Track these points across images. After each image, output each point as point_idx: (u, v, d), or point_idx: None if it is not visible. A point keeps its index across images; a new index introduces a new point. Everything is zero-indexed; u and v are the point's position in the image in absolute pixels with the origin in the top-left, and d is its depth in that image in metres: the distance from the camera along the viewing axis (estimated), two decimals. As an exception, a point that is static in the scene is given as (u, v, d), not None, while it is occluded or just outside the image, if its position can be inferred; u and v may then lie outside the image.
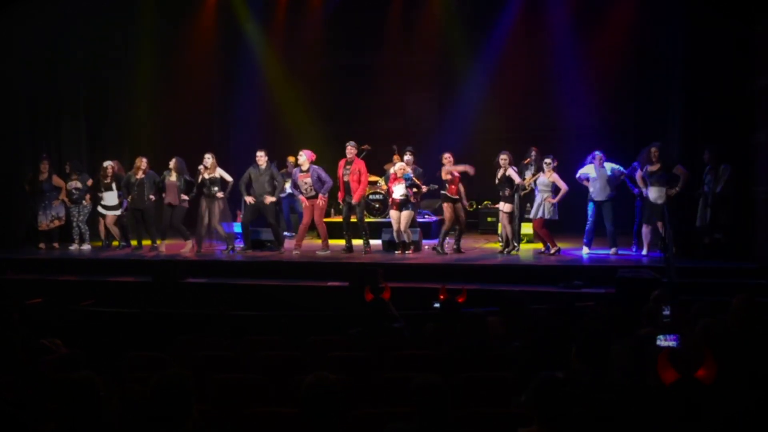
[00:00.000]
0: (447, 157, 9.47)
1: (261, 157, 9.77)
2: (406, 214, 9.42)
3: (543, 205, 9.18)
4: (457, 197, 9.42)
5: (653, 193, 8.86)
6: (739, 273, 7.90)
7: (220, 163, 10.13)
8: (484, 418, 3.50)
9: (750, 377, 3.47)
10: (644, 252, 8.97)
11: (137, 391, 3.47)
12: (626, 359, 4.06)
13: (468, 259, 9.22)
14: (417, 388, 3.02)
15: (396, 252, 9.57)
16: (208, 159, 9.84)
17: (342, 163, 9.76)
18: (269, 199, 9.73)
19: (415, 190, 9.54)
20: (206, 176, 9.81)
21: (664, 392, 3.05)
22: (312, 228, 10.02)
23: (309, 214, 9.75)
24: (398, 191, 9.47)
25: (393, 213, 9.60)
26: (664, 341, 3.55)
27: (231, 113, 13.85)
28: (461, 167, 9.49)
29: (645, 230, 8.99)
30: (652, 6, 10.41)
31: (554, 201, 9.14)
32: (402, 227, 9.45)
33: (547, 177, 9.21)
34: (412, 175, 9.56)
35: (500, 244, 9.65)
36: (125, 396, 3.46)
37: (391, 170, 9.85)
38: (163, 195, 10.09)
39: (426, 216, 11.18)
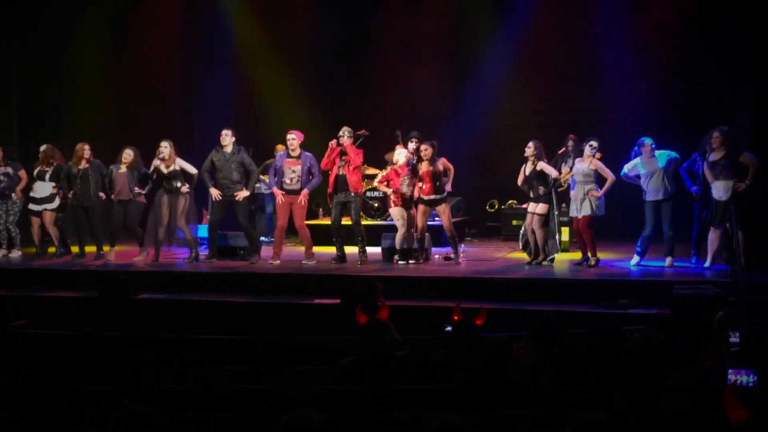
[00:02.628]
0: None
1: (226, 137, 9.73)
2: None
3: (587, 200, 9.13)
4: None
5: (718, 189, 8.75)
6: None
7: (185, 153, 10.15)
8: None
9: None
10: (707, 263, 8.93)
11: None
12: (683, 397, 4.05)
13: (489, 272, 9.22)
14: (436, 431, 3.01)
15: (401, 262, 9.58)
16: (165, 148, 9.81)
17: (335, 151, 9.69)
18: (241, 195, 9.72)
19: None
20: (164, 170, 9.80)
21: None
22: (292, 231, 10.02)
23: (285, 213, 9.72)
24: (405, 185, 9.53)
25: (396, 211, 9.60)
26: (737, 377, 3.53)
27: (198, 93, 13.84)
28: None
29: (711, 236, 8.88)
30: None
31: (600, 194, 9.09)
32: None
33: (588, 164, 9.16)
34: (414, 162, 9.61)
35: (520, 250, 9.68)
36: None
37: (394, 161, 9.83)
38: (112, 191, 10.08)
39: (436, 218, 11.16)
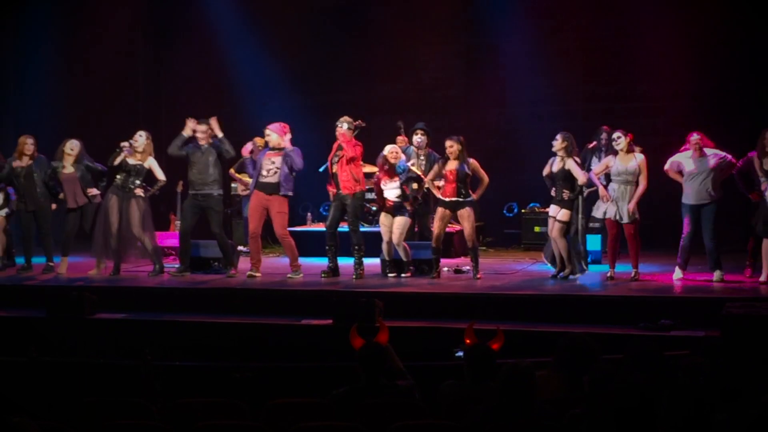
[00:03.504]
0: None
1: (202, 130, 9.77)
2: (400, 221, 9.45)
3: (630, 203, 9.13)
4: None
5: None
6: None
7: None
8: None
9: None
10: (763, 278, 8.93)
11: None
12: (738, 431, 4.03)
13: (507, 288, 9.23)
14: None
15: (390, 275, 9.61)
16: (141, 137, 9.81)
17: (334, 147, 9.73)
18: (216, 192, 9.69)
19: (415, 185, 9.52)
20: (129, 161, 9.75)
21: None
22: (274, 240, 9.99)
23: (258, 216, 9.69)
24: (391, 191, 9.48)
25: (382, 218, 9.63)
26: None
27: (164, 79, 13.88)
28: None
29: (765, 246, 8.94)
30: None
31: (641, 193, 9.10)
32: (395, 239, 9.46)
33: (627, 161, 9.14)
34: (407, 165, 9.56)
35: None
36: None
37: (380, 156, 9.75)
38: (60, 194, 10.06)
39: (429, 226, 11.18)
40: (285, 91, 12.88)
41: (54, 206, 10.16)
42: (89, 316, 8.60)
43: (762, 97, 11.25)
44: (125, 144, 9.78)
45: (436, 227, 9.56)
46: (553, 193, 9.43)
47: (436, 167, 9.55)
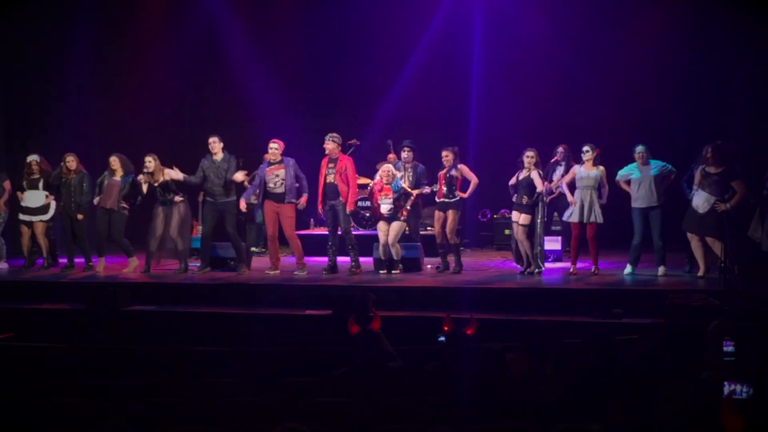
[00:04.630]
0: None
1: (214, 144, 9.71)
2: (395, 226, 9.48)
3: (596, 207, 9.13)
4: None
5: (700, 198, 8.79)
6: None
7: (178, 163, 10.05)
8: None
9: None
10: (700, 273, 8.95)
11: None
12: (679, 408, 4.04)
13: (481, 282, 9.21)
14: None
15: (381, 271, 9.60)
16: (150, 162, 9.76)
17: (324, 161, 9.70)
18: (238, 176, 9.64)
19: (412, 198, 9.63)
20: (153, 184, 9.76)
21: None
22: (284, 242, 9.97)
23: (273, 222, 9.67)
24: (385, 205, 9.53)
25: (380, 224, 9.64)
26: (732, 388, 3.51)
27: (188, 103, 13.86)
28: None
29: (693, 243, 8.93)
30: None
31: (603, 202, 9.14)
32: (390, 240, 9.49)
33: (589, 169, 9.18)
34: (401, 184, 9.61)
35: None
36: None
37: (376, 177, 9.83)
38: (99, 199, 10.02)
39: (429, 228, 11.16)
40: (290, 115, 12.85)
41: (96, 200, 10.07)
42: (123, 308, 8.57)
43: (691, 120, 11.30)
44: (140, 176, 9.78)
45: (436, 227, 9.68)
46: (514, 199, 9.44)
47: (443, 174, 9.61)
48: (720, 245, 8.28)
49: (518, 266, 9.64)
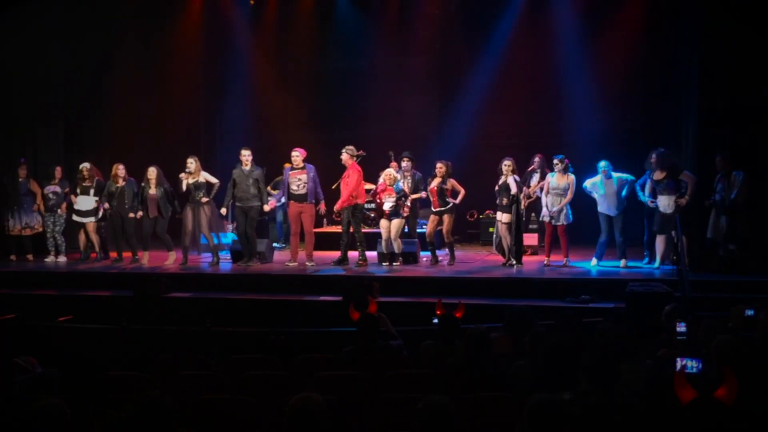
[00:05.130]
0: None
1: (246, 156, 9.68)
2: (396, 223, 9.46)
3: (564, 209, 9.18)
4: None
5: (662, 202, 8.84)
6: (755, 287, 7.85)
7: (209, 170, 10.09)
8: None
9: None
10: (656, 264, 8.94)
11: (116, 415, 3.42)
12: (637, 379, 4.03)
13: (469, 272, 9.18)
14: (424, 409, 2.98)
15: (384, 264, 9.56)
16: (191, 163, 9.75)
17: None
18: (267, 207, 9.67)
19: (411, 199, 9.62)
20: (190, 181, 9.74)
21: (679, 413, 3.02)
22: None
23: (296, 221, 9.66)
24: (388, 203, 9.51)
25: (383, 222, 9.61)
26: (684, 363, 3.50)
27: (218, 120, 13.89)
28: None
29: (658, 240, 8.94)
30: (667, 11, 10.50)
31: (566, 202, 9.17)
32: (392, 236, 9.47)
33: (561, 180, 9.18)
34: (402, 185, 9.59)
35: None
36: (104, 420, 3.41)
37: (379, 180, 9.84)
38: (144, 208, 9.98)
39: (425, 226, 11.13)
40: (304, 129, 12.84)
41: (140, 215, 10.07)
42: (164, 294, 8.58)
43: (650, 130, 11.27)
44: (182, 174, 9.77)
45: (428, 228, 9.71)
46: (497, 201, 9.46)
47: (430, 182, 9.65)
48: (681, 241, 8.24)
49: (501, 258, 9.63)
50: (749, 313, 4.97)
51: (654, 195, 8.99)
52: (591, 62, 11.65)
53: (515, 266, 9.23)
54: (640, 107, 11.66)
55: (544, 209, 9.34)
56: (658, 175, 8.83)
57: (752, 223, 8.52)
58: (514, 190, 9.20)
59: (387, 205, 9.53)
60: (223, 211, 9.84)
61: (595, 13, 11.57)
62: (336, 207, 9.55)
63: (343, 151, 9.65)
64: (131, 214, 10.04)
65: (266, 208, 9.77)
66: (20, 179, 10.70)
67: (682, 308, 5.35)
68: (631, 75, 11.47)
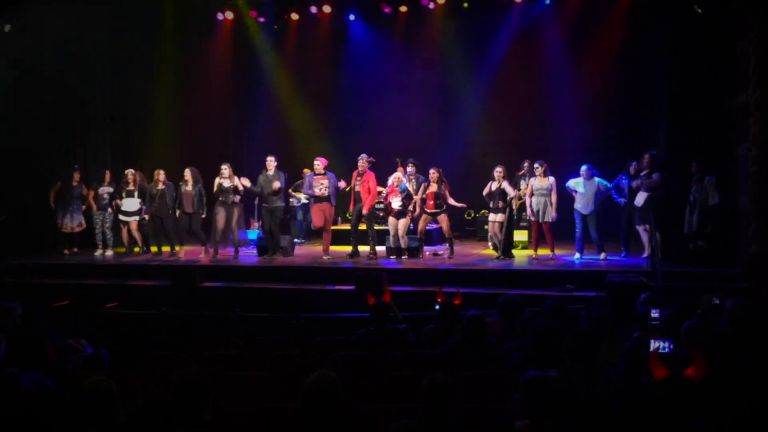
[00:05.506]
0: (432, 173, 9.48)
1: (270, 162, 9.73)
2: (403, 222, 9.45)
3: (548, 209, 9.15)
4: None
5: (641, 198, 8.86)
6: (720, 277, 7.82)
7: (238, 174, 10.11)
8: (482, 414, 3.47)
9: (745, 376, 3.43)
10: (645, 255, 8.90)
11: (157, 389, 3.46)
12: (615, 357, 4.04)
13: (467, 264, 9.18)
14: (427, 385, 3.01)
15: (392, 257, 9.56)
16: (225, 169, 9.81)
17: (354, 174, 9.75)
18: (275, 184, 9.61)
19: (414, 200, 9.62)
20: (225, 184, 9.78)
21: (651, 388, 3.03)
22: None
23: (319, 217, 9.66)
24: (395, 202, 9.51)
25: (391, 220, 9.61)
26: (657, 344, 3.51)
27: (246, 129, 13.92)
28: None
29: (641, 233, 8.97)
30: (640, 31, 10.57)
31: (554, 201, 9.14)
32: (400, 233, 9.46)
33: (543, 182, 9.17)
34: (407, 186, 9.61)
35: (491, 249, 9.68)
36: (147, 393, 3.45)
37: (389, 182, 9.85)
38: (180, 206, 10.05)
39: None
40: (320, 137, 12.88)
41: (178, 213, 10.12)
42: (199, 284, 8.62)
43: (627, 139, 11.24)
44: (218, 178, 9.80)
45: (420, 226, 9.69)
46: (491, 204, 9.46)
47: (422, 187, 9.60)
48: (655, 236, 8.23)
49: (494, 252, 9.63)
50: (716, 301, 4.96)
51: (632, 193, 8.97)
52: (574, 80, 11.66)
53: (505, 259, 9.23)
54: (617, 118, 11.66)
55: (529, 209, 9.35)
56: (645, 174, 8.80)
57: (720, 222, 8.48)
58: (512, 193, 9.25)
59: (395, 204, 9.54)
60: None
61: (579, 37, 11.63)
62: (364, 210, 9.51)
63: (360, 159, 9.69)
64: (177, 210, 10.09)
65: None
66: (74, 183, 10.79)
67: (657, 296, 5.33)
68: (610, 91, 11.48)
